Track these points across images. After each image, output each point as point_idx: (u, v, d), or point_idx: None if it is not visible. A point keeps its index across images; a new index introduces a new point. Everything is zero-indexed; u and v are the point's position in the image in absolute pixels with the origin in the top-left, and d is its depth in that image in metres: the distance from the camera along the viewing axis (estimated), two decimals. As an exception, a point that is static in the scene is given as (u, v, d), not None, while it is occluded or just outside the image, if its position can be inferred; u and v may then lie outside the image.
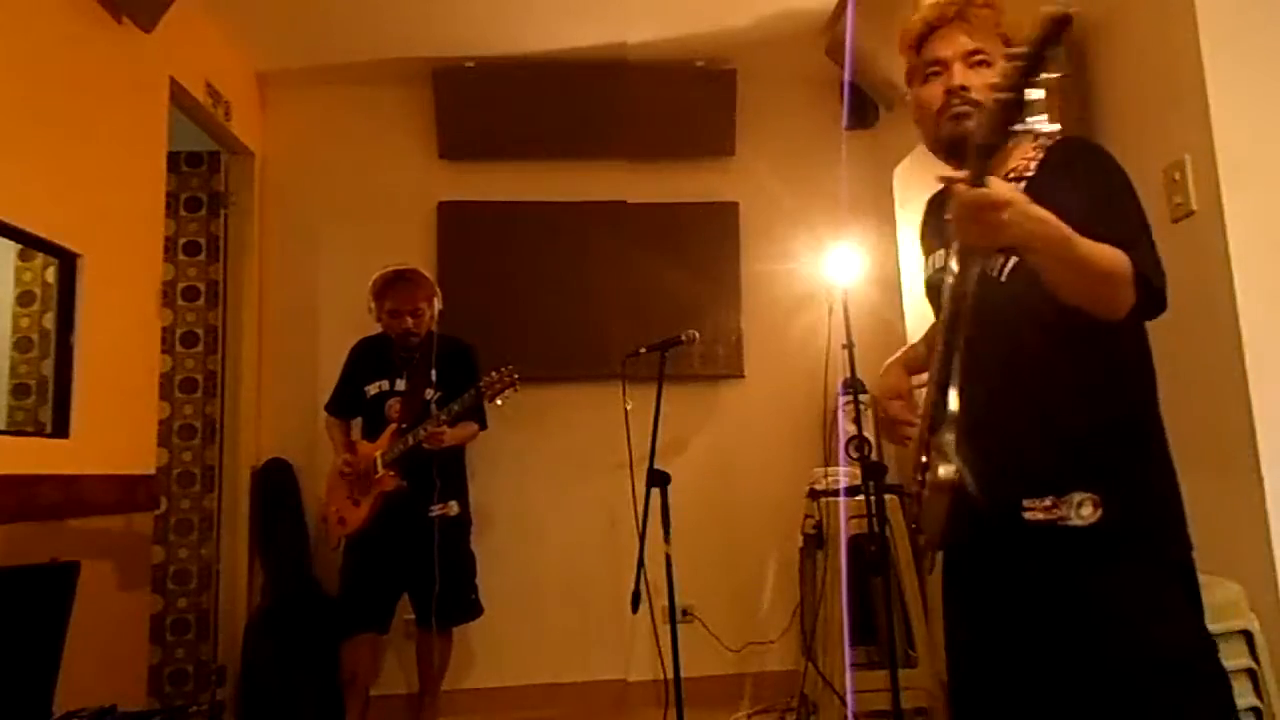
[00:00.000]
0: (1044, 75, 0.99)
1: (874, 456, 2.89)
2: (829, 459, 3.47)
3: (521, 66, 3.81)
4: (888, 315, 3.72)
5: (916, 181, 3.42)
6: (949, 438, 1.29)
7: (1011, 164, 1.39)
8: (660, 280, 3.81)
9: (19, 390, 2.92)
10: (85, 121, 2.63)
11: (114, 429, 2.74)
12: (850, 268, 3.18)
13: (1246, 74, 2.00)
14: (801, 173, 4.00)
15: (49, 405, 2.56)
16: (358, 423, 3.27)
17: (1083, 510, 1.26)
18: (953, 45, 1.40)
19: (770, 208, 3.96)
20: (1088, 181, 1.29)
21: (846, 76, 3.68)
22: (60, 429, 2.52)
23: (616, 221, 3.90)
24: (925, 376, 1.58)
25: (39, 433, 2.60)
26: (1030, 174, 1.33)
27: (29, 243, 2.45)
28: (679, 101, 3.90)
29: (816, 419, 3.79)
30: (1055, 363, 1.31)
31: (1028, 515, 1.30)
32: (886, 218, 3.71)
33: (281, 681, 3.18)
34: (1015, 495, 1.31)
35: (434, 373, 3.12)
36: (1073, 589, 1.27)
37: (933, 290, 1.53)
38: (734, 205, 3.96)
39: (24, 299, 2.98)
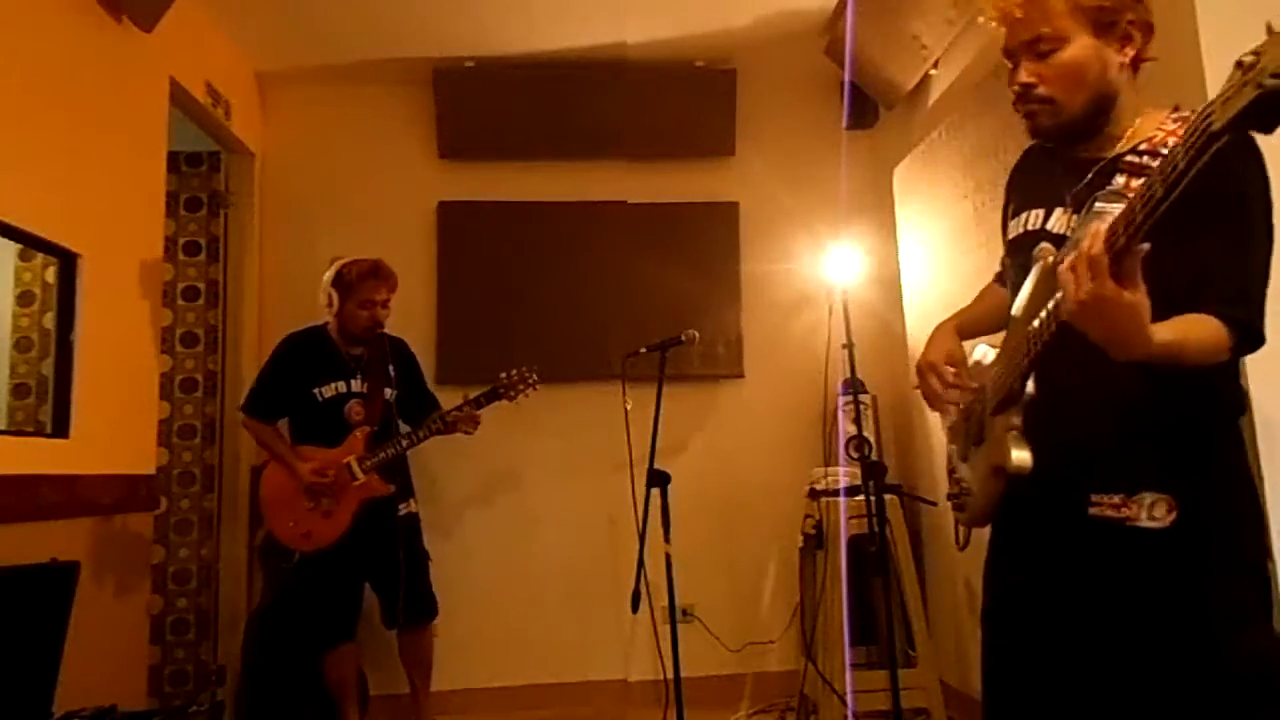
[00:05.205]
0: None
1: (874, 456, 2.89)
2: (829, 459, 3.47)
3: (521, 66, 3.80)
4: (888, 315, 3.73)
5: (916, 181, 3.42)
6: (1017, 421, 1.24)
7: (1146, 132, 1.30)
8: (660, 280, 3.81)
9: (19, 390, 2.92)
10: (85, 122, 2.63)
11: (114, 429, 2.74)
12: (850, 268, 3.19)
13: (1246, 74, 1.99)
14: (801, 173, 4.00)
15: (49, 405, 2.56)
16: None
17: (1155, 511, 1.19)
18: (1015, 35, 1.33)
19: (770, 208, 3.95)
20: (1220, 212, 1.18)
21: (846, 76, 3.68)
22: (60, 429, 2.52)
23: (616, 221, 3.90)
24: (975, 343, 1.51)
25: (39, 433, 2.60)
26: (1165, 150, 1.20)
27: (29, 243, 2.46)
28: (679, 101, 3.89)
29: (816, 419, 3.79)
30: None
31: (1094, 511, 1.24)
32: (886, 218, 3.72)
33: (281, 681, 3.18)
34: (1083, 488, 1.25)
35: (391, 369, 3.08)
36: (1143, 592, 1.22)
37: (1018, 250, 1.41)
38: (734, 205, 3.95)
39: (24, 299, 2.98)
